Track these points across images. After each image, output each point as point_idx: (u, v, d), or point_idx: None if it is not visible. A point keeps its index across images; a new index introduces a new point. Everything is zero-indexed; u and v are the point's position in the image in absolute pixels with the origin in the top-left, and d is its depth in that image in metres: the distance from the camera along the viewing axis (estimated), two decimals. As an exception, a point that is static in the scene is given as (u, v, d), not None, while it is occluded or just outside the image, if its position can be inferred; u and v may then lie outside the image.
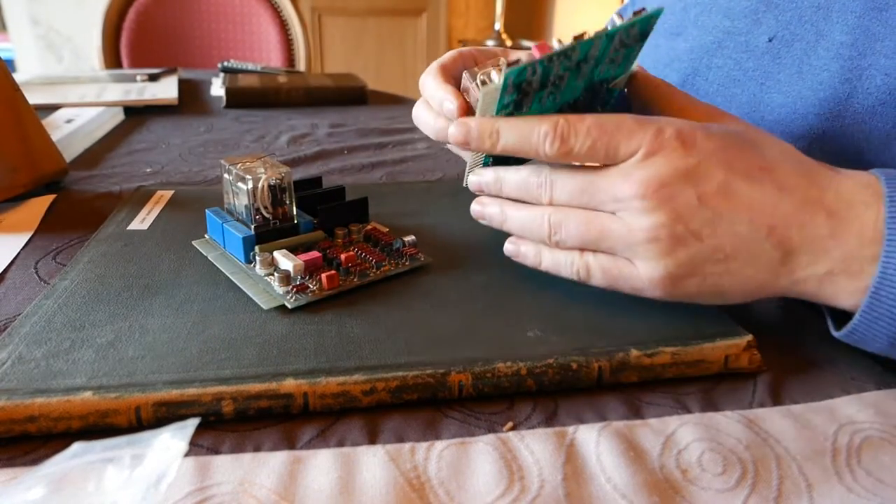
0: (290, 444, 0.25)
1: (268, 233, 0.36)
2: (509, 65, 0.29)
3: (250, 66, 1.16)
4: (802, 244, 0.28)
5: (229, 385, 0.26)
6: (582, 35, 0.30)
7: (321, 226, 0.39)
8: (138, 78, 1.05)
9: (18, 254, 0.41)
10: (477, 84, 0.35)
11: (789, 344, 0.33)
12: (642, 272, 0.30)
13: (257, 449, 0.25)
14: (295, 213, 0.38)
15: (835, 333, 0.30)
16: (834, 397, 0.28)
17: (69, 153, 0.63)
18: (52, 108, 0.80)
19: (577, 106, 0.35)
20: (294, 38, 1.65)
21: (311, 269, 0.34)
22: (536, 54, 0.30)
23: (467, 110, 0.35)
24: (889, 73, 0.35)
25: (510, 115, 0.32)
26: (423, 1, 2.97)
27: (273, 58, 1.64)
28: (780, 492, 0.23)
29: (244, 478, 0.23)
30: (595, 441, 0.25)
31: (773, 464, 0.24)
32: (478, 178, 0.35)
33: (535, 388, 0.28)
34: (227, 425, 0.26)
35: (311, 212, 0.39)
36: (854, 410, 0.27)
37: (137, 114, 0.85)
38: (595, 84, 0.34)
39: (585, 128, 0.30)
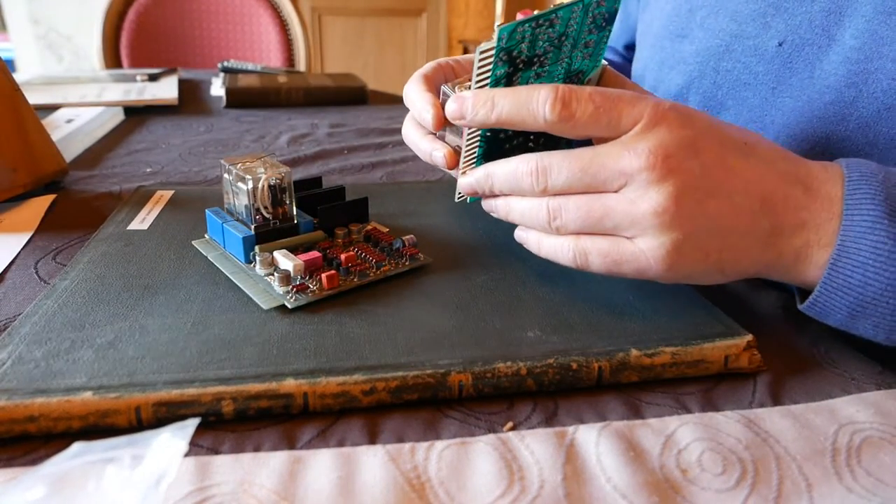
0: (290, 444, 0.25)
1: (268, 233, 0.36)
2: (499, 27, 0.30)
3: (250, 66, 1.16)
4: (786, 214, 0.30)
5: (229, 385, 0.26)
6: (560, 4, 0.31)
7: (321, 226, 0.39)
8: (138, 78, 1.05)
9: (18, 254, 0.41)
10: (454, 91, 0.35)
11: (789, 344, 0.33)
12: (646, 250, 0.29)
13: (257, 449, 0.25)
14: (295, 213, 0.38)
15: (799, 307, 0.32)
16: (834, 397, 0.28)
17: (69, 153, 0.63)
18: (52, 108, 0.80)
19: None
20: (294, 38, 1.65)
21: (311, 269, 0.34)
22: (521, 17, 0.31)
23: (444, 120, 0.35)
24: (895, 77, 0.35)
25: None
26: (423, 1, 2.98)
27: (273, 58, 1.64)
28: (780, 492, 0.23)
29: (244, 478, 0.23)
30: (595, 441, 0.25)
31: (772, 464, 0.24)
32: (468, 178, 0.35)
33: (535, 388, 0.28)
34: (227, 425, 0.26)
35: (311, 212, 0.39)
36: (854, 410, 0.27)
37: (137, 114, 0.85)
38: (573, 76, 0.35)
39: (587, 94, 0.30)
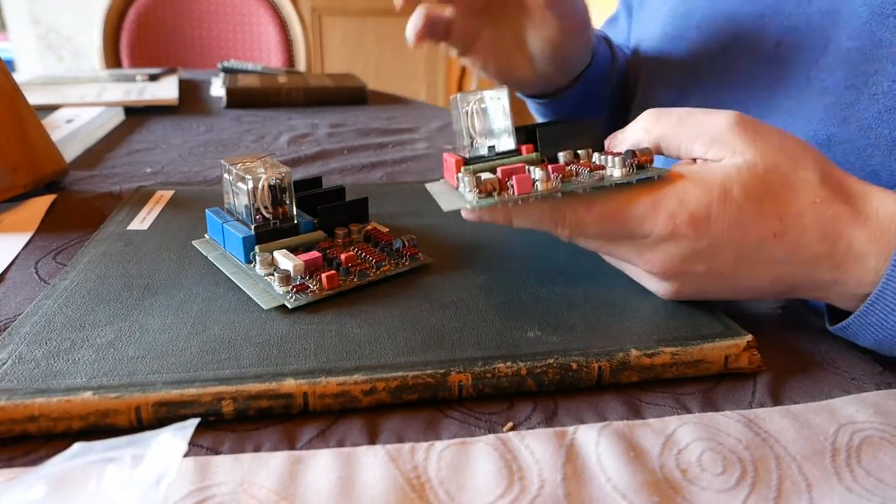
0: (290, 444, 0.25)
1: (268, 233, 0.36)
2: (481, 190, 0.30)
3: (250, 66, 1.16)
4: (805, 286, 0.31)
5: (229, 385, 0.26)
6: None
7: (321, 226, 0.39)
8: (138, 78, 1.05)
9: (18, 254, 0.41)
10: (466, 101, 0.34)
11: (789, 344, 0.33)
12: (649, 284, 0.33)
13: (257, 449, 0.25)
14: (295, 213, 0.38)
15: (830, 328, 0.32)
16: (834, 397, 0.28)
17: (69, 153, 0.63)
18: (52, 108, 0.80)
19: None
20: (294, 38, 1.65)
21: (311, 269, 0.34)
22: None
23: (423, 37, 0.41)
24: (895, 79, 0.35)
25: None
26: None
27: (273, 58, 1.64)
28: (780, 492, 0.23)
29: (244, 478, 0.23)
30: (595, 441, 0.25)
31: (772, 464, 0.24)
32: (480, 215, 0.32)
33: (535, 389, 0.28)
34: (227, 425, 0.26)
35: (311, 212, 0.39)
36: (854, 410, 0.27)
37: (137, 114, 0.85)
38: None
39: (594, 217, 0.31)
